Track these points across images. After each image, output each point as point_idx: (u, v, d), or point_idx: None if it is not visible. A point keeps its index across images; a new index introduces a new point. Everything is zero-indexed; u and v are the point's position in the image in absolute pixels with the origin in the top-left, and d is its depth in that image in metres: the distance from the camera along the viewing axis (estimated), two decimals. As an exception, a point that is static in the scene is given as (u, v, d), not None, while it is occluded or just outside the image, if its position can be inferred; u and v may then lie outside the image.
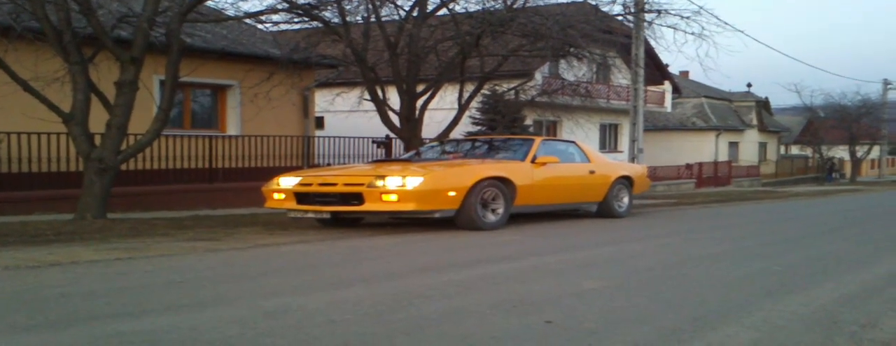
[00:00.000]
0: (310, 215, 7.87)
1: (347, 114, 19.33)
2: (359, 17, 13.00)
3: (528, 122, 21.75)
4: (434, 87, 13.33)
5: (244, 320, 3.49)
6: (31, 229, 7.21)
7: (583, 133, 23.69)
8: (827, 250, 6.78)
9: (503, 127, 18.20)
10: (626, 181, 10.71)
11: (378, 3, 12.67)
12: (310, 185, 7.81)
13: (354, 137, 16.13)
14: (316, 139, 16.14)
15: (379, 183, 7.44)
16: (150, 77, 12.53)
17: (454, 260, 5.71)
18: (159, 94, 12.22)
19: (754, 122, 41.10)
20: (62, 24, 8.20)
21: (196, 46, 13.12)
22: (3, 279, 4.59)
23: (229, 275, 4.88)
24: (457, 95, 14.26)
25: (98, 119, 8.70)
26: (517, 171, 8.60)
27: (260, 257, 5.88)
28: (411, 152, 10.67)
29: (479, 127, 19.44)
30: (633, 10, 15.52)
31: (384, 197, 7.38)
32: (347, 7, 12.32)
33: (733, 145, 39.46)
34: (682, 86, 35.67)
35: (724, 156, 36.93)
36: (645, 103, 20.47)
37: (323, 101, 19.26)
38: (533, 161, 9.01)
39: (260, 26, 14.77)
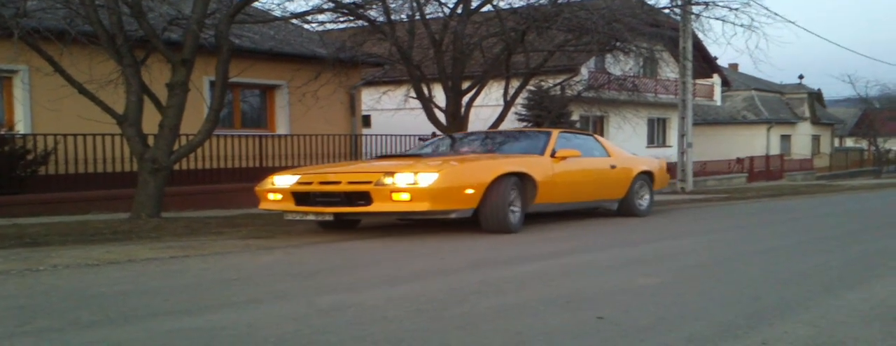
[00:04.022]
0: (310, 217, 7.04)
1: (394, 112, 19.43)
2: (404, 16, 13.05)
3: (575, 117, 21.62)
4: (479, 83, 13.32)
5: (299, 317, 3.53)
6: (89, 229, 7.38)
7: (630, 128, 23.47)
8: (886, 245, 6.63)
9: (549, 123, 18.11)
10: (648, 177, 9.98)
11: (422, 1, 12.71)
12: (309, 183, 7.11)
13: (401, 135, 16.20)
14: (363, 137, 16.25)
15: (388, 181, 6.69)
16: (200, 78, 12.71)
17: (505, 257, 5.71)
18: (210, 94, 12.40)
19: (807, 114, 40.29)
20: (115, 27, 8.37)
21: (245, 47, 13.29)
22: (65, 278, 4.71)
23: (283, 272, 4.95)
24: (502, 91, 14.23)
25: (151, 120, 8.87)
26: (536, 166, 7.85)
27: (313, 254, 5.95)
28: (419, 147, 10.11)
29: (524, 123, 19.38)
30: (679, 2, 15.32)
31: (394, 196, 6.63)
32: (392, 5, 12.39)
33: (785, 139, 38.74)
34: (731, 79, 35.12)
35: (775, 149, 36.28)
36: (693, 97, 20.19)
37: (369, 99, 19.38)
38: (552, 155, 8.28)
39: (306, 26, 14.91)
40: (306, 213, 7.02)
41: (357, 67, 15.41)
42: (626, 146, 25.43)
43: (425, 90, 13.10)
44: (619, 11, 12.90)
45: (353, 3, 11.72)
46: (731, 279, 4.68)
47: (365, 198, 6.75)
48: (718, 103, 33.29)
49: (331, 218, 6.92)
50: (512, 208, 7.31)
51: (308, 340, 3.10)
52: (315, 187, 7.04)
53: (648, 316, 3.54)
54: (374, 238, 7.03)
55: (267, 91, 15.40)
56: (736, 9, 13.53)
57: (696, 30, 16.23)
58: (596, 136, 9.98)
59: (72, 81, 8.63)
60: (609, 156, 9.48)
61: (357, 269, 5.13)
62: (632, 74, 17.29)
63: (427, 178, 6.65)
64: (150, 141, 8.90)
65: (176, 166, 9.28)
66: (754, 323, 3.42)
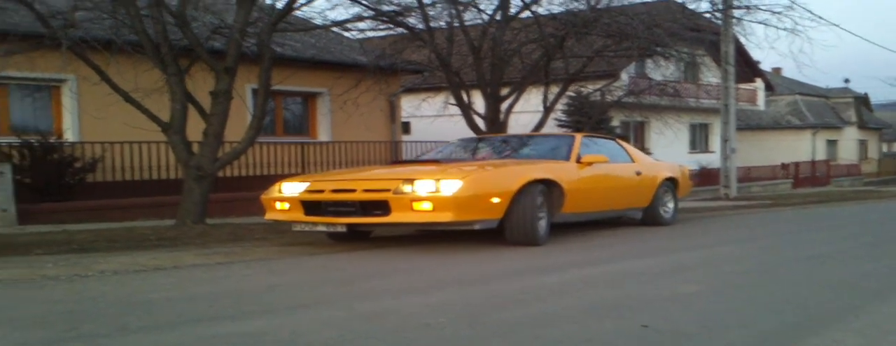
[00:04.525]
0: (320, 228, 6.48)
1: (433, 118, 19.45)
2: (442, 23, 13.08)
3: (615, 123, 21.48)
4: (518, 89, 13.30)
5: (342, 323, 3.56)
6: (136, 235, 7.51)
7: (672, 134, 23.25)
8: (936, 252, 6.48)
9: (589, 128, 18.01)
10: (672, 184, 9.44)
11: (461, 8, 12.73)
12: (321, 192, 6.57)
13: (440, 142, 16.20)
14: (403, 144, 16.32)
15: (407, 189, 6.15)
16: (243, 86, 12.88)
17: (541, 265, 5.69)
18: (252, 102, 12.55)
19: (853, 119, 39.57)
20: (159, 37, 8.52)
21: (286, 56, 13.44)
22: (112, 283, 4.80)
23: (326, 278, 4.98)
24: (541, 97, 14.19)
25: (195, 128, 9.00)
26: (563, 172, 7.32)
27: (352, 260, 5.98)
28: (433, 152, 9.50)
29: (564, 129, 19.30)
30: (721, 7, 15.15)
31: (415, 206, 6.06)
32: (431, 13, 12.43)
33: (831, 143, 38.08)
34: (774, 83, 34.62)
35: (821, 155, 35.68)
36: (736, 102, 19.94)
37: (409, 106, 19.46)
38: (578, 161, 7.74)
39: (347, 34, 15.03)
40: (316, 223, 6.47)
41: (397, 74, 15.49)
42: (669, 152, 25.27)
43: (464, 97, 13.12)
44: (659, 16, 12.82)
45: (393, 10, 11.79)
46: (777, 287, 4.61)
47: (382, 207, 6.20)
48: (762, 108, 32.83)
49: (343, 229, 6.34)
50: (539, 217, 6.75)
51: (350, 346, 3.12)
52: (327, 196, 6.50)
53: (692, 324, 3.51)
54: (410, 246, 7.04)
55: (309, 99, 15.55)
56: (778, 12, 13.35)
57: (737, 34, 16.03)
58: (618, 140, 9.51)
59: (118, 90, 8.80)
60: (633, 161, 8.96)
61: (395, 276, 5.15)
62: (673, 79, 17.11)
63: (450, 185, 6.08)
64: (195, 148, 9.03)
65: (220, 173, 9.41)
66: (800, 332, 3.37)
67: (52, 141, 10.83)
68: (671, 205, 9.36)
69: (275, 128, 15.05)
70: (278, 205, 6.83)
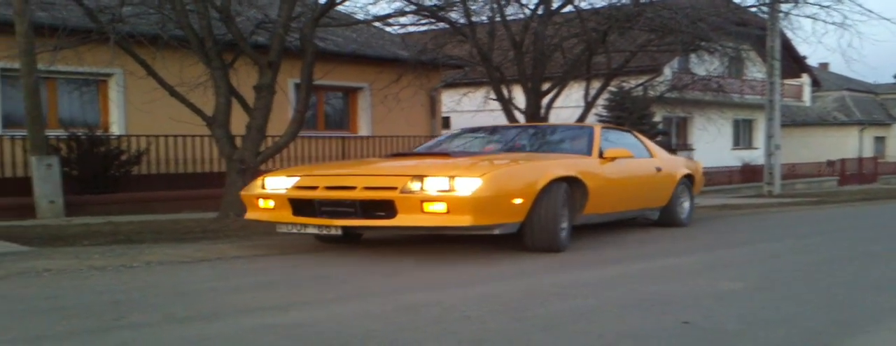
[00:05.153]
0: (310, 230, 5.58)
1: (473, 113, 19.45)
2: (484, 17, 13.06)
3: (657, 118, 21.29)
4: (559, 84, 13.24)
5: (383, 314, 3.59)
6: (181, 227, 7.62)
7: (715, 129, 22.98)
8: None
9: (630, 124, 17.87)
10: (689, 181, 8.78)
11: (503, 3, 12.70)
12: (313, 188, 5.69)
13: (481, 137, 16.21)
14: (443, 139, 16.33)
15: (415, 186, 5.33)
16: (285, 81, 13.01)
17: (580, 260, 5.67)
18: (295, 96, 12.68)
19: (902, 115, 38.73)
20: (204, 32, 8.62)
21: (328, 50, 13.52)
22: (158, 274, 4.89)
23: (367, 270, 5.02)
24: (583, 92, 14.11)
25: (238, 122, 9.11)
26: (586, 169, 6.52)
27: (396, 252, 6.01)
28: (431, 143, 8.58)
29: (605, 124, 19.16)
30: (767, 0, 14.93)
31: (426, 207, 5.25)
32: (473, 7, 12.41)
33: (879, 140, 37.32)
34: (821, 79, 34.01)
35: (869, 152, 34.98)
36: (781, 98, 19.64)
37: (450, 101, 19.47)
38: (600, 156, 6.99)
39: (388, 29, 15.06)
40: (306, 225, 5.58)
41: (438, 69, 15.51)
42: (711, 148, 24.99)
43: (505, 92, 13.10)
44: (703, 10, 12.66)
45: (435, 5, 11.80)
46: (822, 285, 4.54)
47: (386, 209, 5.35)
48: (808, 104, 32.29)
49: (338, 232, 5.48)
50: (562, 220, 5.97)
51: (393, 337, 3.14)
52: (320, 194, 5.61)
53: (735, 321, 3.47)
54: (453, 240, 7.04)
55: (350, 93, 15.64)
56: (827, 6, 13.10)
57: (784, 28, 15.79)
58: (635, 133, 8.75)
59: (164, 84, 8.93)
60: (652, 156, 8.24)
61: (435, 268, 5.17)
62: (717, 75, 16.90)
63: (468, 184, 5.28)
64: (238, 142, 9.14)
65: (262, 167, 9.51)
66: (847, 331, 3.32)
67: (98, 134, 11.03)
68: (687, 204, 8.69)
69: (316, 122, 15.16)
70: (261, 203, 5.94)
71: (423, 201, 5.26)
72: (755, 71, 25.34)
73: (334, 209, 5.53)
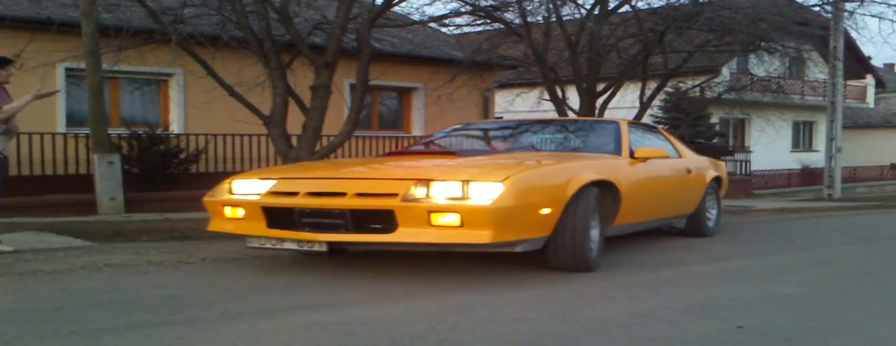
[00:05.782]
0: (287, 245, 4.58)
1: (527, 114, 19.39)
2: (539, 18, 13.00)
3: (714, 119, 20.96)
4: (615, 85, 13.12)
5: (433, 315, 3.60)
6: (235, 225, 7.74)
7: (774, 131, 22.52)
8: None
9: (687, 125, 17.63)
10: (717, 185, 7.79)
11: (559, 3, 12.63)
12: (293, 194, 4.66)
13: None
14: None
15: (419, 193, 4.36)
16: (341, 81, 13.12)
17: (639, 261, 5.60)
18: (350, 97, 12.78)
19: (972, 117, 37.44)
20: (263, 32, 8.74)
21: (384, 51, 13.60)
22: (211, 271, 4.98)
23: (418, 271, 5.03)
24: (638, 93, 13.96)
25: (295, 121, 9.20)
26: (618, 171, 5.57)
27: (446, 253, 6.01)
28: (428, 139, 7.49)
29: (660, 126, 18.95)
30: (831, 0, 14.59)
31: (434, 219, 4.27)
32: (529, 8, 12.36)
33: (948, 143, 36.12)
34: (886, 79, 33.06)
35: (935, 155, 33.90)
36: (844, 99, 19.18)
37: (503, 101, 19.43)
38: (632, 155, 5.99)
39: (443, 30, 15.09)
40: (282, 240, 4.59)
41: (492, 69, 15.49)
42: (770, 150, 24.51)
43: (559, 92, 13.02)
44: (764, 10, 12.41)
45: (490, 5, 11.78)
46: (884, 291, 4.43)
47: (384, 220, 4.37)
48: (871, 106, 31.44)
49: (323, 249, 4.45)
50: (593, 233, 5.07)
51: (443, 337, 3.15)
52: (301, 201, 4.57)
53: (792, 327, 3.40)
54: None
55: (404, 93, 15.71)
56: (895, 5, 12.74)
57: (848, 28, 15.41)
58: (660, 129, 7.76)
59: (223, 84, 9.08)
60: (680, 156, 7.20)
61: (487, 269, 5.16)
62: (777, 75, 16.57)
63: (486, 190, 4.30)
64: (294, 142, 9.25)
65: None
66: (909, 339, 3.23)
67: (158, 133, 11.27)
68: (714, 211, 7.71)
69: (371, 122, 15.27)
70: (228, 211, 4.92)
71: (430, 212, 4.27)
72: (817, 72, 24.73)
73: (318, 221, 4.47)
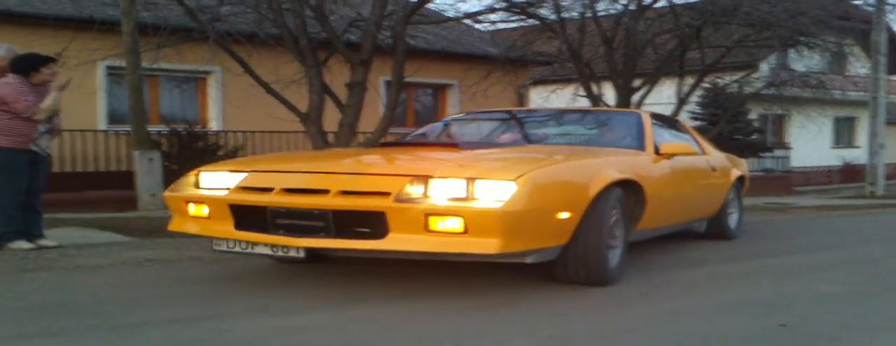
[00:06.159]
0: (260, 250, 3.93)
1: (562, 110, 19.32)
2: (575, 13, 12.94)
3: (752, 116, 20.70)
4: (651, 81, 13.02)
5: (472, 311, 3.61)
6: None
7: (815, 128, 22.18)
8: None
9: (725, 121, 17.43)
10: (740, 184, 7.13)
11: (594, -1, 12.56)
12: (266, 190, 4.00)
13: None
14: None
15: (416, 191, 3.71)
16: (377, 78, 13.15)
17: (676, 259, 5.56)
18: (385, 94, 12.83)
19: None
20: (299, 30, 8.81)
21: (419, 48, 13.63)
22: (252, 267, 5.02)
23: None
24: (675, 88, 13.83)
25: (331, 118, 9.26)
26: (643, 169, 4.89)
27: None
28: (425, 129, 6.57)
29: (698, 122, 18.75)
30: (873, -7, 14.35)
31: (433, 223, 3.61)
32: (563, 3, 12.31)
33: None
34: (930, 74, 32.42)
35: (981, 151, 33.16)
36: (886, 95, 18.82)
37: (538, 97, 19.36)
38: (657, 151, 5.24)
39: (478, 26, 15.09)
40: (252, 244, 3.94)
41: (526, 65, 15.45)
42: (810, 147, 24.14)
43: (594, 88, 12.96)
44: (804, 4, 12.23)
45: (525, 1, 11.75)
46: (929, 291, 4.35)
47: (373, 223, 3.70)
48: (915, 101, 30.83)
49: (300, 255, 3.79)
50: (615, 240, 4.42)
51: (482, 329, 3.16)
52: (276, 199, 3.90)
53: (834, 325, 3.36)
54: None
55: (439, 90, 15.75)
56: (939, -2, 12.49)
57: (891, 22, 15.16)
58: (682, 122, 7.06)
59: (260, 81, 9.16)
60: (704, 152, 6.43)
61: (516, 267, 5.15)
62: (817, 71, 16.33)
63: (496, 189, 3.63)
64: (331, 138, 9.31)
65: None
66: (955, 338, 3.17)
67: (197, 130, 11.41)
68: (737, 212, 7.07)
69: (406, 119, 15.32)
70: (192, 209, 4.24)
71: (427, 215, 3.58)
72: (858, 66, 24.35)
73: (295, 223, 3.81)
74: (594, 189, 4.08)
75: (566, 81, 17.95)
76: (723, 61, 14.21)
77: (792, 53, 15.67)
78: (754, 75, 17.91)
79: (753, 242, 6.83)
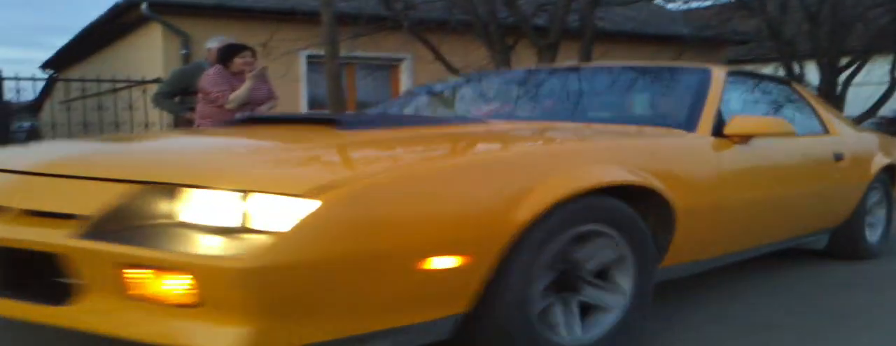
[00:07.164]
0: None
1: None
2: (774, -12, 12.30)
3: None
4: (860, 59, 12.16)
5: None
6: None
7: None
8: None
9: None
10: (887, 177, 4.96)
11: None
12: None
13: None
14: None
15: (131, 215, 1.96)
16: (563, 62, 13.13)
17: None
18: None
19: None
20: (488, 16, 8.95)
21: (606, 30, 13.44)
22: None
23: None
24: (888, 67, 12.84)
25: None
26: (679, 164, 3.00)
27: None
28: (397, 99, 5.43)
29: None
30: None
31: (138, 283, 1.86)
32: (762, -22, 11.73)
33: None
34: None
35: None
36: None
37: (733, 78, 18.61)
38: (717, 132, 3.30)
39: (669, 6, 14.68)
40: None
41: (721, 45, 14.89)
42: None
43: (796, 68, 12.27)
44: None
45: (719, -22, 11.31)
46: None
47: (49, 275, 1.99)
48: None
49: None
50: (582, 298, 2.56)
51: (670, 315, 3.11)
52: None
53: None
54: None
55: (628, 72, 15.44)
56: None
57: None
58: (795, 85, 4.75)
59: (450, 68, 9.40)
60: (827, 132, 4.48)
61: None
62: None
63: (276, 213, 1.86)
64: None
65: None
66: None
67: (390, 115, 11.84)
68: (883, 221, 5.00)
69: (593, 102, 15.15)
70: None
71: (122, 266, 1.88)
72: None
73: None
74: (528, 212, 2.22)
75: (763, 60, 17.12)
76: (945, 36, 13.04)
77: None
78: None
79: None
